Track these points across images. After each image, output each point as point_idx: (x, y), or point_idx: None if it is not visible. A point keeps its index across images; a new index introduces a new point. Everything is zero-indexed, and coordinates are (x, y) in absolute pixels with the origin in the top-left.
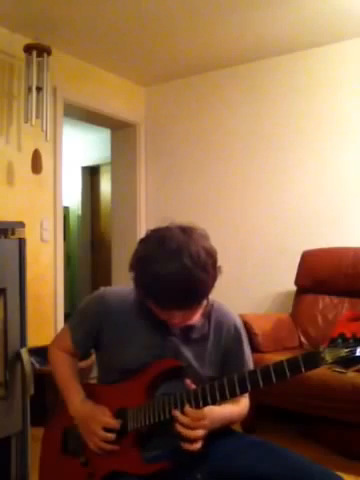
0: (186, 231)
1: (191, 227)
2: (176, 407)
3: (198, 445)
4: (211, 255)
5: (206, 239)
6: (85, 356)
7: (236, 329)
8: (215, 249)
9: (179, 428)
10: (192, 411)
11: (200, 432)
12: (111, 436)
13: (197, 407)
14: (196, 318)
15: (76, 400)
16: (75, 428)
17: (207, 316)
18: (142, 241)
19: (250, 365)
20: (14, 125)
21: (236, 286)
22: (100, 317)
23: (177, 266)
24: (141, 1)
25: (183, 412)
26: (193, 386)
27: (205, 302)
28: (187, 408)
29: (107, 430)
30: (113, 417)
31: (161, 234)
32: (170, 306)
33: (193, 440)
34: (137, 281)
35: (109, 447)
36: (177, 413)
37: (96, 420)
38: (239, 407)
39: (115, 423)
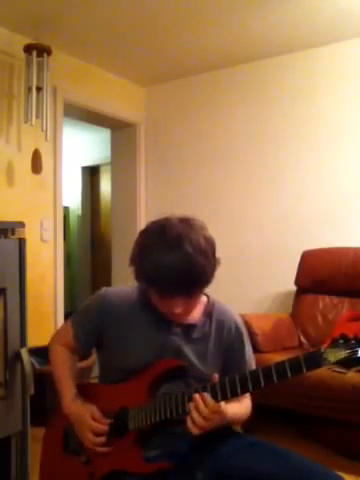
0: (185, 221)
1: (190, 218)
2: (177, 406)
3: (198, 432)
4: (211, 243)
5: (205, 229)
6: (86, 355)
7: (237, 328)
8: (214, 238)
9: (194, 413)
10: (212, 403)
11: (207, 424)
12: (101, 441)
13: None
14: (197, 315)
15: (67, 398)
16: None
17: (208, 315)
18: (142, 232)
19: (252, 364)
20: (14, 125)
21: (236, 286)
22: (102, 317)
23: (178, 253)
24: (141, 1)
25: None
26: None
27: (206, 300)
28: (208, 398)
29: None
30: (102, 417)
31: (161, 224)
32: (172, 293)
33: (198, 427)
34: (139, 271)
35: (102, 450)
36: (199, 400)
37: (85, 424)
38: (244, 407)
39: (102, 427)
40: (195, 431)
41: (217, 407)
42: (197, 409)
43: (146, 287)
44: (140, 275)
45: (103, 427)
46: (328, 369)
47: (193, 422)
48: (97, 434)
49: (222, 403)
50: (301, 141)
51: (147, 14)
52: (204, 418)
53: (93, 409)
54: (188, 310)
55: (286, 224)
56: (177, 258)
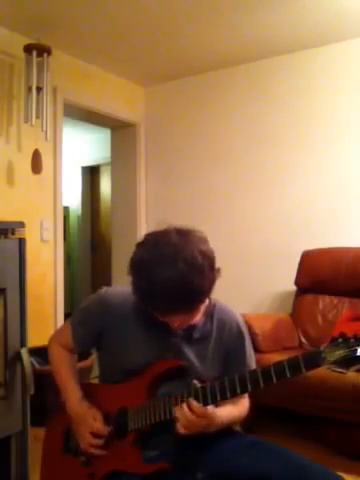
0: (183, 234)
1: (188, 230)
2: (177, 405)
3: (184, 433)
4: (207, 257)
5: (203, 242)
6: (85, 355)
7: (238, 328)
8: (212, 251)
9: (179, 414)
10: (197, 407)
11: (192, 426)
12: (98, 442)
13: None
14: (198, 318)
15: (73, 400)
16: None
17: (209, 316)
18: (139, 245)
19: (252, 364)
20: (14, 125)
21: (236, 286)
22: (101, 317)
23: (172, 270)
24: (141, 1)
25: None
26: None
27: (207, 302)
28: (193, 403)
29: (97, 435)
30: (104, 422)
31: (157, 238)
32: (168, 311)
33: (184, 428)
34: (134, 286)
35: (97, 452)
36: (184, 408)
37: (86, 424)
38: (239, 408)
39: (103, 429)
40: (182, 432)
41: (203, 411)
42: (182, 412)
43: (141, 303)
44: (135, 290)
45: (103, 430)
46: (327, 369)
47: (179, 424)
48: (96, 436)
49: (210, 407)
50: (301, 141)
51: (147, 14)
52: (189, 421)
53: (97, 413)
54: (186, 323)
55: (286, 224)
56: (170, 276)
